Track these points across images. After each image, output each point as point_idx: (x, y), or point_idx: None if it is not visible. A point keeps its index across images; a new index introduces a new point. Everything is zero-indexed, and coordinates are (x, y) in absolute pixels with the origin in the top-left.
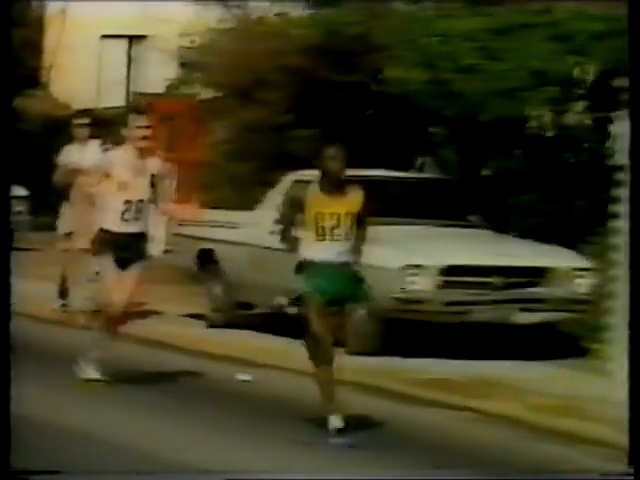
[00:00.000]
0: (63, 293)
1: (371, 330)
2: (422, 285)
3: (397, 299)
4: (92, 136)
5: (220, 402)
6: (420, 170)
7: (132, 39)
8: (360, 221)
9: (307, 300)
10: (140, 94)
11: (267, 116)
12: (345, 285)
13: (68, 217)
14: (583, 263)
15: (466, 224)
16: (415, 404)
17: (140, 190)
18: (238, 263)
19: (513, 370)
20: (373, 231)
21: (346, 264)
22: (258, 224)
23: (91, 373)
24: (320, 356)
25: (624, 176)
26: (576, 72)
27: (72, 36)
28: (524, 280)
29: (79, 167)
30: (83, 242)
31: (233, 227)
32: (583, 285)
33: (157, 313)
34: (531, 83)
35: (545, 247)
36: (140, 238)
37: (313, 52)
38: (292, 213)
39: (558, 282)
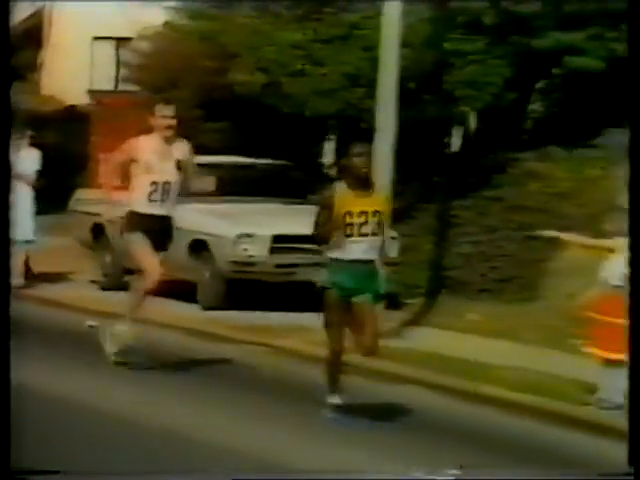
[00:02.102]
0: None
1: (216, 289)
2: (254, 251)
3: (234, 262)
4: None
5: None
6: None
7: (119, 41)
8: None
9: (327, 294)
10: (93, 91)
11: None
12: (366, 282)
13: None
14: (391, 233)
15: (301, 202)
16: (232, 344)
17: (165, 173)
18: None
19: None
20: (220, 207)
21: (370, 262)
22: (132, 201)
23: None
24: (332, 344)
25: None
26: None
27: (62, 36)
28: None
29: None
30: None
31: (118, 205)
32: (392, 249)
33: (69, 279)
34: (345, 85)
35: None
36: (167, 220)
37: (201, 56)
38: (325, 214)
39: None
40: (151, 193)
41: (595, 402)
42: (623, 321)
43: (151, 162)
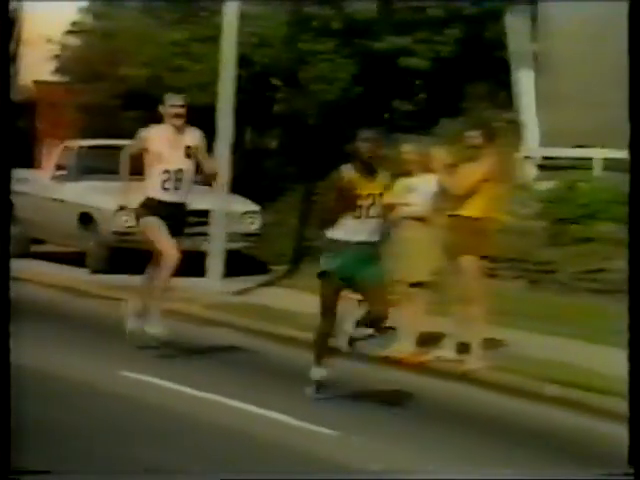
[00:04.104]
0: None
1: (101, 255)
2: (133, 222)
3: (116, 232)
4: None
5: None
6: None
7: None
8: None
9: (326, 280)
10: (36, 82)
11: (100, 100)
12: (368, 264)
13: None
14: (253, 208)
15: None
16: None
17: (177, 161)
18: (28, 209)
19: (206, 284)
20: (105, 184)
21: (374, 243)
22: (40, 179)
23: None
24: (323, 329)
25: None
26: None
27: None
28: (206, 219)
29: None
30: None
31: (24, 181)
32: (254, 224)
33: None
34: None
35: (231, 197)
36: (181, 208)
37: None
38: (334, 196)
39: (235, 221)
40: (164, 182)
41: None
42: None
43: (162, 151)
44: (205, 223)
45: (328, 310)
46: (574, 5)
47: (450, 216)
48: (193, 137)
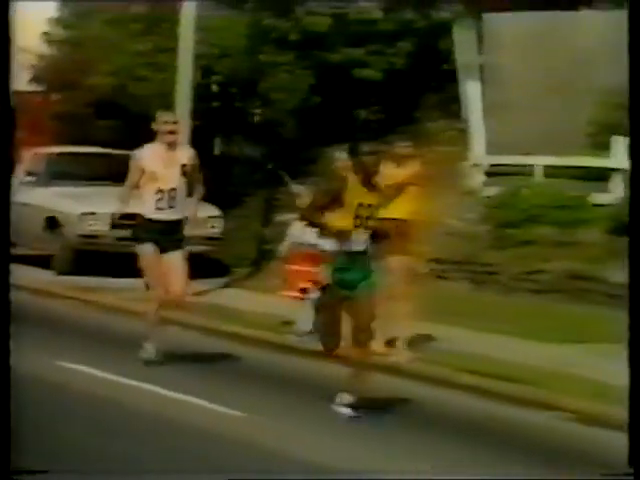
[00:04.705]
0: None
1: (66, 258)
2: (98, 226)
3: (81, 236)
4: None
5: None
6: None
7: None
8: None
9: (329, 292)
10: (16, 92)
11: (72, 108)
12: (365, 274)
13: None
14: (216, 213)
15: None
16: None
17: (171, 180)
18: None
19: None
20: (72, 190)
21: (366, 253)
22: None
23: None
24: (330, 344)
25: None
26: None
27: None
28: None
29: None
30: None
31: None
32: (216, 228)
33: None
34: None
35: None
36: (176, 225)
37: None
38: (325, 199)
39: (198, 225)
40: (158, 201)
41: (293, 331)
42: (307, 269)
43: (156, 170)
44: None
45: (331, 325)
46: (518, 18)
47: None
48: (187, 155)
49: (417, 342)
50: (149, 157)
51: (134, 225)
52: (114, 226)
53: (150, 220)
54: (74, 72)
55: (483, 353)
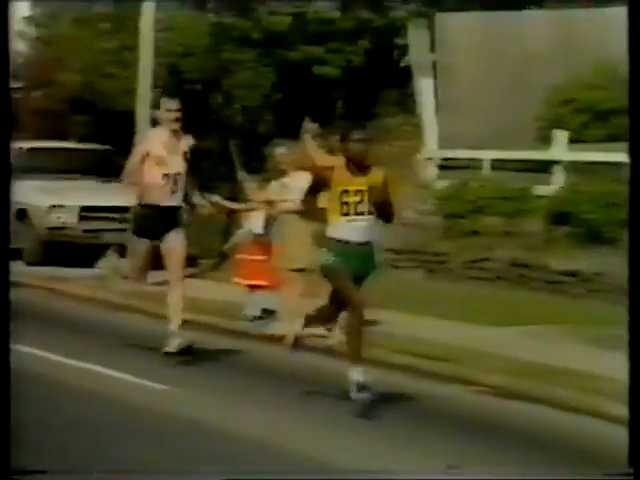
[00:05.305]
0: None
1: (35, 249)
2: (65, 218)
3: (49, 228)
4: None
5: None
6: None
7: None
8: (384, 200)
9: (335, 272)
10: None
11: (49, 104)
12: (365, 264)
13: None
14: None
15: (116, 180)
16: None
17: (175, 165)
18: None
19: None
20: (42, 183)
21: (368, 243)
22: None
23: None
24: (326, 317)
25: None
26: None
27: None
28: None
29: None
30: None
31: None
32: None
33: None
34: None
35: None
36: (176, 210)
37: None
38: (317, 187)
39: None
40: (163, 186)
41: (243, 317)
42: (260, 257)
43: (162, 155)
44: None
45: (350, 299)
46: (469, 17)
47: (320, 210)
48: (188, 143)
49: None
50: (155, 142)
51: (136, 211)
52: (82, 218)
53: (153, 205)
54: (47, 70)
55: (420, 336)
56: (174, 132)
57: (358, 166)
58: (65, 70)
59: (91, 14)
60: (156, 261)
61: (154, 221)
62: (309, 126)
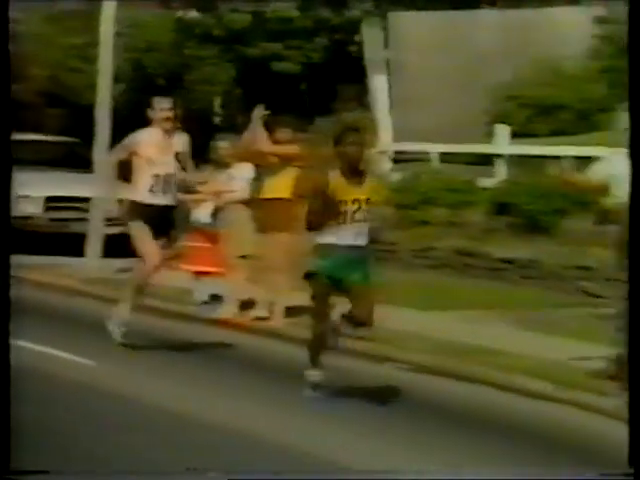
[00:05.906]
0: None
1: None
2: (32, 208)
3: (15, 217)
4: None
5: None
6: None
7: None
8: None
9: (315, 281)
10: None
11: (24, 97)
12: (356, 266)
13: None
14: None
15: (83, 171)
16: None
17: (166, 165)
18: None
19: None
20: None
21: (361, 247)
22: None
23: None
24: (316, 329)
25: None
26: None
27: None
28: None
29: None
30: None
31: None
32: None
33: None
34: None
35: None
36: (168, 210)
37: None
38: (318, 202)
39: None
40: (153, 185)
41: (192, 301)
42: (207, 245)
43: (152, 156)
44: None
45: (320, 312)
46: (422, 17)
47: (262, 199)
48: (181, 142)
49: (298, 310)
50: (146, 142)
51: (127, 208)
52: (48, 208)
53: (143, 204)
54: (20, 65)
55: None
56: (166, 132)
57: (353, 171)
58: (35, 65)
59: (59, 12)
60: (125, 248)
61: (148, 219)
62: (259, 112)
